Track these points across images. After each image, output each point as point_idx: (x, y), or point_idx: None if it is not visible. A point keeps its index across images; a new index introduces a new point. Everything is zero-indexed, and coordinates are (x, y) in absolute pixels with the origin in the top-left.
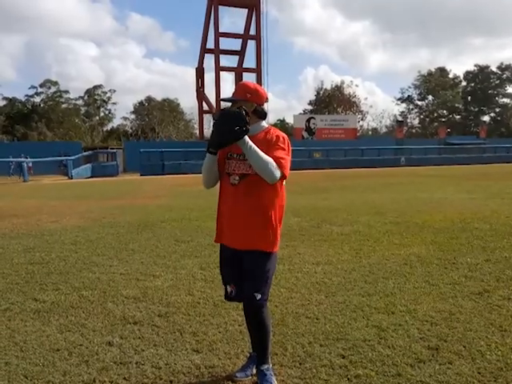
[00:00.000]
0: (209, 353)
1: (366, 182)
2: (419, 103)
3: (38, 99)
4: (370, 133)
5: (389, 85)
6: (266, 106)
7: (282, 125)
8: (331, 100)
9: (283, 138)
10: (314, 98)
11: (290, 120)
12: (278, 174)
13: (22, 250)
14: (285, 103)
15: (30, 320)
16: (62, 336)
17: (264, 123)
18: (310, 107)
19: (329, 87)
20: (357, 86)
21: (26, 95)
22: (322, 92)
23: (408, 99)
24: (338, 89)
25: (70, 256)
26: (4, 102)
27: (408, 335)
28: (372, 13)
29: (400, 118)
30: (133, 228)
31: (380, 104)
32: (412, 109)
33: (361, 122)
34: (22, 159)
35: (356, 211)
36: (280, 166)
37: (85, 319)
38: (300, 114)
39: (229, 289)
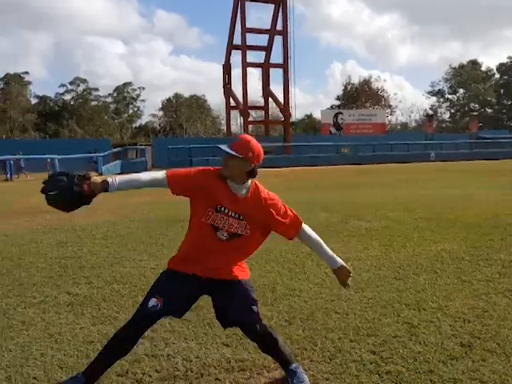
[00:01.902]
0: (239, 346)
1: (395, 178)
2: (450, 97)
3: (68, 97)
4: (399, 127)
5: (418, 78)
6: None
7: (309, 120)
8: (359, 95)
9: (276, 199)
10: (341, 92)
11: (317, 115)
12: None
13: (55, 245)
14: (312, 98)
15: (64, 312)
16: (95, 328)
17: (249, 181)
18: (337, 102)
19: (356, 82)
20: (385, 80)
21: (57, 93)
22: (349, 87)
23: (438, 93)
24: (366, 83)
25: (101, 250)
26: (36, 100)
27: (440, 332)
28: (400, 5)
29: (430, 112)
30: (162, 223)
31: (409, 98)
32: (442, 102)
33: (389, 117)
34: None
35: (385, 207)
36: (298, 222)
37: (116, 312)
38: (327, 109)
39: (153, 301)
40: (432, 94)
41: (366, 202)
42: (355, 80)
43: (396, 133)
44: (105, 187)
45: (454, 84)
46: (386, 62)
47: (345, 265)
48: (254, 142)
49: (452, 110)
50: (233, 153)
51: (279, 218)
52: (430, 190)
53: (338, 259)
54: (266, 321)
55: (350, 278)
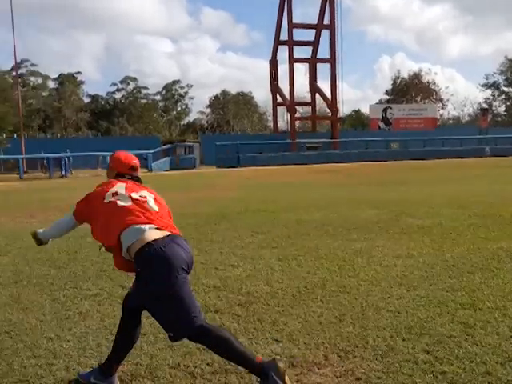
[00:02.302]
0: (289, 343)
1: (447, 174)
2: (506, 89)
3: (118, 95)
4: (451, 122)
5: (471, 71)
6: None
7: (357, 115)
8: (409, 89)
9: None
10: (390, 87)
11: (365, 110)
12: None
13: None
14: (360, 93)
15: (118, 305)
16: (148, 321)
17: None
18: (386, 97)
19: (406, 75)
20: (435, 73)
21: (108, 92)
22: (398, 81)
23: (493, 85)
24: (416, 77)
25: None
26: (88, 99)
27: (497, 333)
28: None
29: (484, 106)
30: (211, 219)
31: (461, 91)
32: (498, 95)
33: (441, 111)
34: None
35: (437, 204)
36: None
37: None
38: (376, 103)
39: None
40: (486, 86)
41: (417, 199)
42: (405, 74)
43: (448, 127)
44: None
45: (510, 76)
46: (437, 54)
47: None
48: (115, 154)
49: (508, 103)
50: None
51: None
52: (484, 186)
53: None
54: (316, 317)
55: None
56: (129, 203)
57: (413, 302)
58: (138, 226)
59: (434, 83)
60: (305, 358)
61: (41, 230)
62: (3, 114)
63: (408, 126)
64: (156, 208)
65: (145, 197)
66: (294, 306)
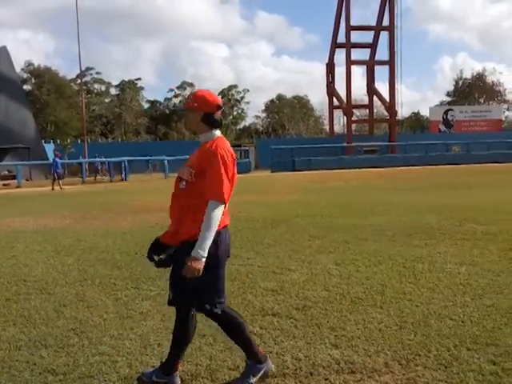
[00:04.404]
0: (348, 349)
1: None
2: None
3: (176, 101)
4: None
5: None
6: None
7: (416, 118)
8: (472, 90)
9: (221, 154)
10: (451, 88)
11: (424, 113)
12: (219, 205)
13: None
14: (418, 95)
15: None
16: (207, 323)
17: (215, 133)
18: (447, 98)
19: (469, 76)
20: (500, 73)
21: (166, 98)
22: (461, 82)
23: None
24: (480, 77)
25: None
26: (147, 105)
27: None
28: None
29: None
30: (267, 222)
31: None
32: None
33: (506, 113)
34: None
35: (502, 209)
36: (215, 192)
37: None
38: (436, 105)
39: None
40: None
41: (480, 205)
42: (467, 74)
43: None
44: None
45: None
46: (502, 53)
47: (198, 259)
48: (198, 92)
49: None
50: (181, 107)
51: (206, 172)
52: None
53: (199, 250)
54: (376, 324)
55: (189, 274)
56: None
57: (478, 310)
58: None
59: (499, 83)
60: (365, 364)
61: (201, 251)
62: (68, 120)
63: (470, 128)
64: None
65: None
66: (352, 311)
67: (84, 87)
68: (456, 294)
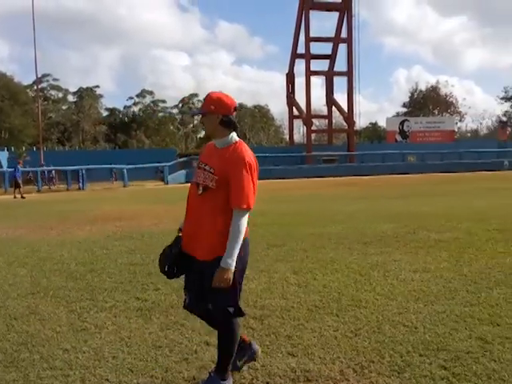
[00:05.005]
0: (304, 357)
1: (465, 187)
2: None
3: (135, 109)
4: (469, 135)
5: (489, 83)
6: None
7: (373, 128)
8: (426, 101)
9: (248, 162)
10: (407, 99)
11: (382, 123)
12: (245, 213)
13: (125, 252)
14: (376, 106)
15: (134, 317)
16: (163, 334)
17: (234, 136)
18: (403, 109)
19: (423, 88)
20: (453, 86)
21: (125, 105)
22: (416, 93)
23: None
24: (434, 89)
25: None
26: (106, 113)
27: None
28: (470, 7)
29: (503, 119)
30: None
31: (480, 104)
32: None
33: (459, 124)
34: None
35: (455, 217)
36: (242, 199)
37: (184, 319)
38: (393, 116)
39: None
40: (506, 99)
41: (434, 212)
42: (422, 86)
43: (466, 140)
44: None
45: None
46: (455, 66)
47: (227, 269)
48: (213, 94)
49: None
50: (199, 111)
51: (231, 178)
52: (504, 200)
53: (227, 260)
54: (331, 332)
55: (222, 284)
56: None
57: (430, 316)
58: None
59: (452, 96)
60: (320, 372)
61: (230, 260)
62: (23, 127)
63: (425, 138)
64: None
65: None
66: (309, 319)
67: (40, 94)
68: (409, 301)
